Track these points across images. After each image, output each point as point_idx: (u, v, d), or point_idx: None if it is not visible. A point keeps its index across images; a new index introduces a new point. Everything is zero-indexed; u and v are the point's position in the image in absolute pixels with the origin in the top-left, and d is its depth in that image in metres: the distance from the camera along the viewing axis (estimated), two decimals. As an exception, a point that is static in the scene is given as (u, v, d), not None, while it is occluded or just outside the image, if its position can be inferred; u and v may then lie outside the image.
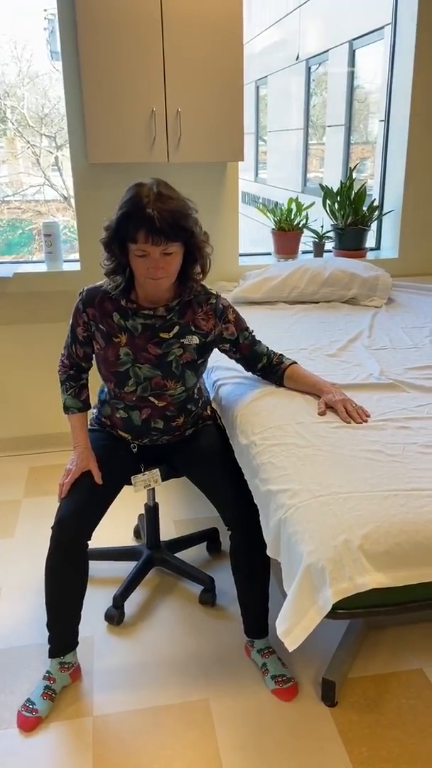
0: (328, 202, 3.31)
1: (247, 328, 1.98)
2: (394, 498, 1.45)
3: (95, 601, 2.22)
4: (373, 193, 3.57)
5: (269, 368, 1.99)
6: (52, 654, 1.87)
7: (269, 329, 2.57)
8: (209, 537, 2.49)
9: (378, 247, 3.58)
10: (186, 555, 2.41)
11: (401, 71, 3.19)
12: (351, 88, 6.92)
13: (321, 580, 1.36)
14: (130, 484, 1.99)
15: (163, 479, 2.05)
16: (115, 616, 2.12)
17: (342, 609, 1.40)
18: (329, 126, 7.67)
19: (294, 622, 1.40)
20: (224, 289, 3.11)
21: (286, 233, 3.29)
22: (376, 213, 3.30)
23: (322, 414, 1.82)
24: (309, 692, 1.86)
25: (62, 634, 1.86)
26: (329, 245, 3.40)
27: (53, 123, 11.33)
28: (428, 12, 3.01)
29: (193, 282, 1.82)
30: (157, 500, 2.26)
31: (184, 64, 2.62)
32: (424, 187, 3.28)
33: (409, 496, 1.45)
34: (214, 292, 1.91)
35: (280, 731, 1.74)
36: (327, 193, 3.30)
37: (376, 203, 3.36)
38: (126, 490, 2.00)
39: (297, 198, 3.34)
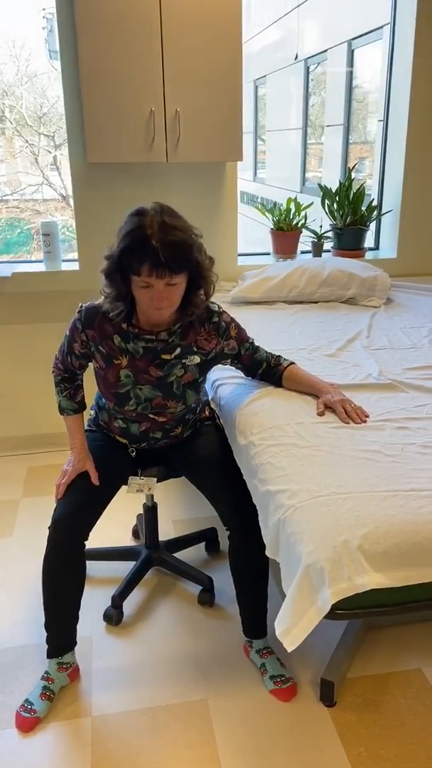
0: (326, 201, 3.31)
1: (248, 339, 1.95)
2: (393, 498, 1.45)
3: (94, 601, 2.22)
4: (372, 193, 3.57)
5: (268, 371, 1.99)
6: (51, 654, 1.86)
7: (268, 329, 2.57)
8: (208, 537, 2.49)
9: (377, 247, 3.58)
10: (185, 555, 2.41)
11: (400, 71, 3.19)
12: (350, 88, 6.92)
13: (320, 580, 1.36)
14: (128, 484, 1.99)
15: (162, 479, 2.05)
16: (113, 616, 2.12)
17: (341, 609, 1.40)
18: (328, 126, 7.68)
19: (293, 623, 1.40)
20: (223, 289, 3.11)
21: (285, 233, 3.29)
22: (375, 213, 3.30)
23: (321, 414, 1.82)
24: (308, 692, 1.86)
25: (60, 634, 1.86)
26: (328, 245, 3.40)
27: (52, 122, 11.32)
28: (427, 12, 3.01)
29: (195, 308, 1.77)
30: (155, 500, 2.26)
31: (183, 64, 2.62)
32: (422, 187, 3.28)
33: (408, 497, 1.45)
34: (217, 309, 1.87)
35: (279, 731, 1.74)
36: (326, 192, 3.30)
37: (374, 203, 3.36)
38: (124, 490, 1.99)
39: (296, 198, 3.34)
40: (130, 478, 1.98)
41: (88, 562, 1.87)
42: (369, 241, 3.45)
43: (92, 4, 2.50)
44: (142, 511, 2.32)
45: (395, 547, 1.36)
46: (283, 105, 9.69)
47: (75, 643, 1.89)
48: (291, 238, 3.30)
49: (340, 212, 3.27)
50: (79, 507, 1.82)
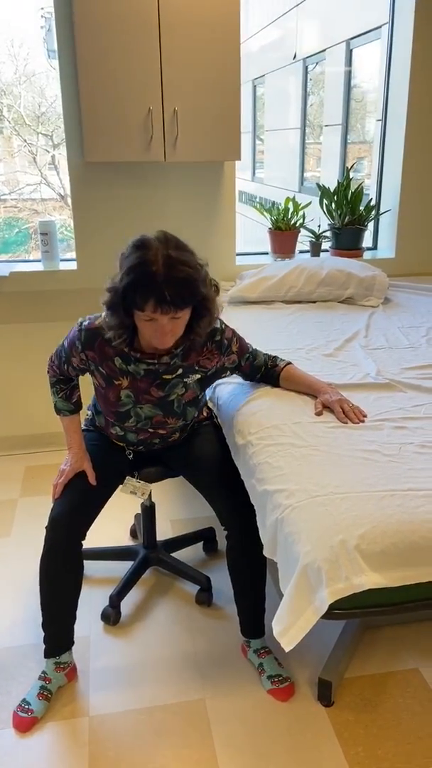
0: (325, 201, 3.31)
1: (247, 350, 1.93)
2: (391, 498, 1.45)
3: (91, 601, 2.22)
4: (370, 192, 3.57)
5: (266, 373, 1.99)
6: (48, 654, 1.86)
7: (266, 329, 2.57)
8: (206, 537, 2.49)
9: (375, 247, 3.58)
10: (182, 555, 2.41)
11: (398, 71, 3.19)
12: (348, 88, 6.93)
13: (317, 580, 1.36)
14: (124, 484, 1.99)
15: (159, 479, 2.05)
16: (111, 616, 2.12)
17: (338, 609, 1.40)
18: (326, 125, 7.68)
19: (290, 623, 1.40)
20: (221, 289, 3.10)
21: (283, 233, 3.29)
22: (373, 213, 3.30)
23: (318, 414, 1.82)
24: (305, 692, 1.86)
25: (58, 634, 1.86)
26: (326, 245, 3.40)
27: (50, 121, 11.31)
28: (425, 11, 3.01)
29: (198, 336, 1.73)
30: (153, 500, 2.26)
31: (181, 63, 2.61)
32: (421, 187, 3.28)
33: (406, 496, 1.45)
34: (219, 326, 1.83)
35: (277, 731, 1.74)
36: (324, 192, 3.30)
37: (373, 203, 3.36)
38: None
39: (294, 197, 3.33)
40: (128, 478, 1.98)
41: (85, 562, 1.87)
42: (367, 240, 3.45)
43: (90, 3, 2.50)
44: (140, 511, 2.32)
45: (393, 547, 1.36)
46: (282, 105, 9.69)
47: (72, 643, 1.89)
48: (289, 237, 3.30)
49: (339, 212, 3.27)
50: (77, 506, 1.82)
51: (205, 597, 2.20)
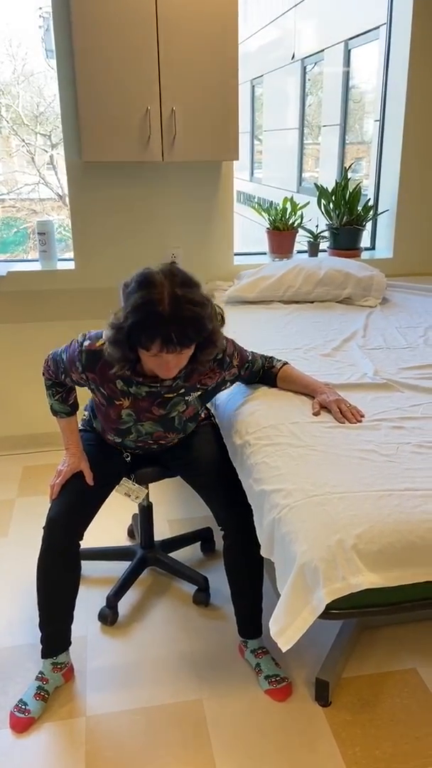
0: (323, 201, 3.31)
1: (247, 359, 1.92)
2: (388, 498, 1.45)
3: (89, 601, 2.21)
4: (368, 192, 3.57)
5: (263, 375, 1.99)
6: (45, 654, 1.86)
7: (264, 329, 2.57)
8: (203, 537, 2.49)
9: (373, 247, 3.58)
10: (180, 555, 2.41)
11: (396, 71, 3.19)
12: (346, 88, 6.93)
13: (314, 580, 1.36)
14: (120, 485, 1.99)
15: (157, 479, 2.04)
16: (108, 616, 2.11)
17: (335, 609, 1.40)
18: (325, 126, 7.68)
19: (287, 623, 1.39)
20: (219, 289, 3.11)
21: (281, 233, 3.29)
22: (371, 213, 3.30)
23: (316, 414, 1.82)
24: (303, 692, 1.86)
25: (55, 634, 1.85)
26: (324, 245, 3.40)
27: (48, 121, 11.31)
28: (423, 12, 3.01)
29: (201, 366, 1.71)
30: (151, 500, 2.26)
31: (179, 63, 2.61)
32: (419, 188, 3.28)
33: (403, 496, 1.45)
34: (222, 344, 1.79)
35: (274, 731, 1.74)
36: (322, 192, 3.30)
37: (371, 203, 3.36)
38: (120, 489, 1.99)
39: (292, 197, 3.33)
40: (122, 479, 1.98)
41: (83, 562, 1.87)
42: (365, 241, 3.45)
43: (88, 3, 2.50)
44: (137, 511, 2.31)
45: (390, 547, 1.36)
46: (280, 105, 9.69)
47: (70, 643, 1.89)
48: (287, 237, 3.30)
49: (337, 212, 3.27)
50: (74, 507, 1.82)
51: (202, 597, 2.20)
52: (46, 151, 11.54)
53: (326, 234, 3.34)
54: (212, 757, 1.67)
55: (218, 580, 2.28)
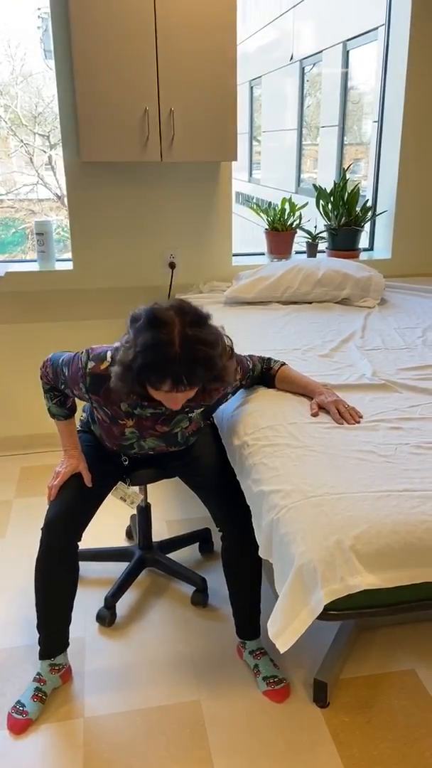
0: (321, 202, 3.31)
1: (247, 369, 1.92)
2: (387, 499, 1.45)
3: (86, 602, 2.21)
4: (367, 193, 3.58)
5: (261, 377, 1.99)
6: (43, 655, 1.86)
7: (262, 329, 2.57)
8: (201, 538, 2.48)
9: (371, 248, 3.58)
10: (178, 556, 2.41)
11: (395, 72, 3.19)
12: (345, 89, 6.94)
13: (313, 581, 1.36)
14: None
15: (155, 480, 2.04)
16: (106, 617, 2.11)
17: (334, 610, 1.40)
18: (323, 127, 7.68)
19: (285, 624, 1.39)
20: (218, 289, 3.11)
21: (280, 233, 3.29)
22: (369, 214, 3.30)
23: (314, 415, 1.82)
24: (301, 693, 1.86)
25: (53, 635, 1.85)
26: (322, 245, 3.40)
27: (47, 122, 11.31)
28: (422, 13, 3.01)
29: (208, 396, 1.71)
30: (149, 501, 2.26)
31: (178, 63, 2.61)
32: (417, 188, 3.28)
33: (401, 497, 1.45)
34: None
35: (272, 732, 1.74)
36: (320, 193, 3.30)
37: (369, 204, 3.37)
38: (118, 490, 1.99)
39: (290, 198, 3.33)
40: (118, 483, 1.98)
41: (81, 563, 1.87)
42: (363, 241, 3.46)
43: (87, 3, 2.49)
44: (135, 512, 2.31)
45: (388, 548, 1.36)
46: (279, 106, 9.70)
47: (67, 645, 1.89)
48: (286, 238, 3.30)
49: (335, 213, 3.27)
50: (72, 508, 1.81)
51: (200, 598, 2.20)
52: (45, 152, 11.54)
53: (325, 235, 3.34)
54: (210, 758, 1.67)
55: (216, 581, 2.28)
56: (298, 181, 8.75)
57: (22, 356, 3.19)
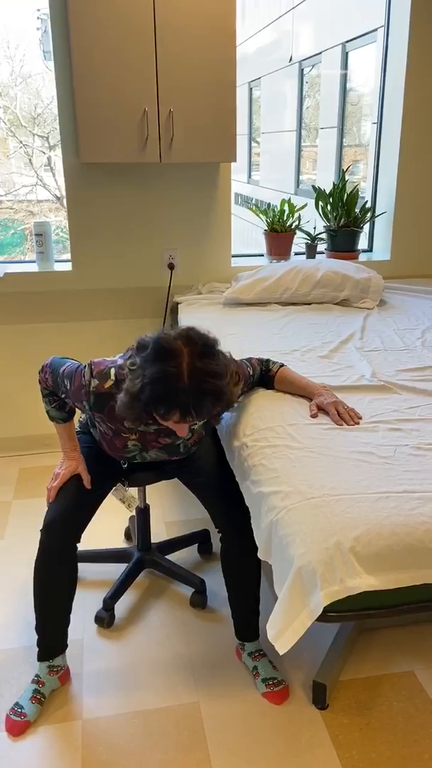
0: (320, 203, 3.31)
1: (249, 376, 1.92)
2: (386, 500, 1.44)
3: (85, 604, 2.21)
4: (366, 195, 3.58)
5: (260, 378, 1.98)
6: (41, 657, 1.85)
7: (261, 330, 2.57)
8: (200, 539, 2.48)
9: (370, 249, 3.58)
10: (177, 557, 2.40)
11: (394, 74, 3.19)
12: (344, 91, 6.94)
13: (312, 582, 1.35)
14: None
15: (153, 482, 2.04)
16: (105, 619, 2.11)
17: (333, 611, 1.39)
18: (322, 128, 7.69)
19: (285, 626, 1.39)
20: (217, 290, 3.11)
21: (279, 234, 3.29)
22: (369, 215, 3.30)
23: (314, 416, 1.82)
24: (300, 695, 1.85)
25: (51, 637, 1.85)
26: (322, 247, 3.40)
27: (46, 123, 11.31)
28: (421, 14, 3.01)
29: (214, 420, 1.71)
30: (148, 502, 2.25)
31: (177, 65, 2.61)
32: (416, 190, 3.28)
33: (401, 498, 1.45)
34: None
35: (271, 734, 1.73)
36: (319, 194, 3.30)
37: (368, 205, 3.37)
38: (116, 491, 1.99)
39: (290, 199, 3.33)
40: (117, 484, 1.98)
41: (79, 564, 1.86)
42: (362, 243, 3.46)
43: (86, 4, 2.49)
44: (134, 513, 2.31)
45: (387, 549, 1.36)
46: (278, 107, 9.71)
47: (66, 646, 1.88)
48: (285, 239, 3.30)
49: (334, 214, 3.27)
50: (71, 509, 1.81)
51: (199, 599, 2.19)
52: (44, 153, 11.55)
53: (324, 236, 3.34)
54: (209, 760, 1.66)
55: (215, 583, 2.28)
56: (297, 182, 8.75)
57: (21, 357, 3.18)
